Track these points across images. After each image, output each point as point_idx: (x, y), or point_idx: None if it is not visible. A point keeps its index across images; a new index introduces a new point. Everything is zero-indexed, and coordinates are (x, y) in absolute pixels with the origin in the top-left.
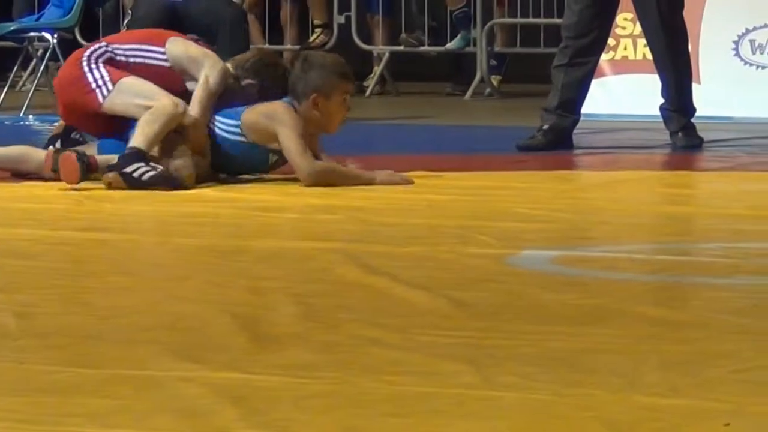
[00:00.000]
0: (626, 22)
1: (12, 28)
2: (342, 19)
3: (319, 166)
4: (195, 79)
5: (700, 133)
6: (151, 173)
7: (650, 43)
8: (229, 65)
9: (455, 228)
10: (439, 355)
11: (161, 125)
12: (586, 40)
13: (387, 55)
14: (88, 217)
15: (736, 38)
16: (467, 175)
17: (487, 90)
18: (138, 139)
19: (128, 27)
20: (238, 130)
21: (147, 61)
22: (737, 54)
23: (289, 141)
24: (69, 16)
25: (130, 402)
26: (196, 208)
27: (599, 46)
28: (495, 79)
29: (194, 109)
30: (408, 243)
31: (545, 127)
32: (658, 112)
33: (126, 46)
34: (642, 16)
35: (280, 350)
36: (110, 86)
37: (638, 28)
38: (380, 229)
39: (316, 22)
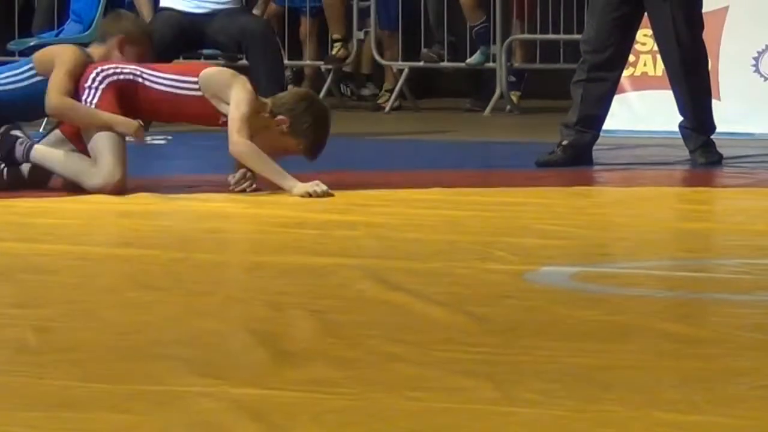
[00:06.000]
0: (646, 38)
1: (32, 44)
2: (361, 35)
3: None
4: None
5: (720, 150)
6: None
7: (664, 60)
8: (268, 101)
9: (474, 244)
10: (458, 371)
11: (70, 173)
12: (604, 55)
13: (406, 70)
14: (108, 232)
15: (756, 54)
16: (486, 191)
17: (507, 106)
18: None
19: None
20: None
21: (179, 91)
22: (757, 70)
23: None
24: (89, 31)
25: (149, 417)
26: (215, 224)
27: (619, 61)
28: (514, 95)
29: (234, 136)
30: (427, 259)
31: (564, 142)
32: (677, 129)
33: (160, 73)
34: (657, 32)
35: (300, 366)
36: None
37: None
38: (399, 245)
39: (335, 36)
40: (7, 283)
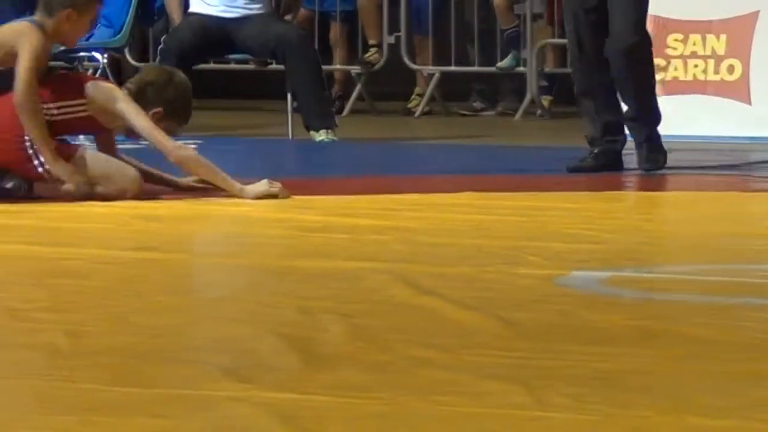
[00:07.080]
0: (676, 43)
1: (62, 48)
2: (392, 39)
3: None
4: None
5: (750, 154)
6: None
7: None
8: (130, 89)
9: (504, 249)
10: (489, 375)
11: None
12: (594, 55)
13: (437, 74)
14: (137, 236)
15: None
16: (517, 196)
17: (538, 111)
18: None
19: (165, 42)
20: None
21: (73, 115)
22: None
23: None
24: (119, 35)
25: (181, 421)
26: (244, 228)
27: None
28: (546, 100)
29: (166, 145)
30: (457, 263)
31: (596, 150)
32: (707, 133)
33: (52, 105)
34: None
35: (331, 370)
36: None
37: (688, 49)
38: (429, 249)
39: (371, 41)
40: (38, 288)
